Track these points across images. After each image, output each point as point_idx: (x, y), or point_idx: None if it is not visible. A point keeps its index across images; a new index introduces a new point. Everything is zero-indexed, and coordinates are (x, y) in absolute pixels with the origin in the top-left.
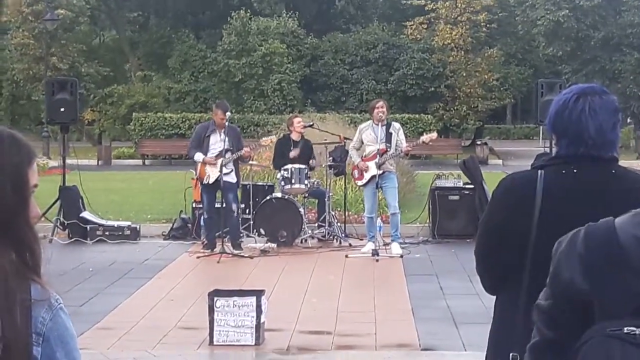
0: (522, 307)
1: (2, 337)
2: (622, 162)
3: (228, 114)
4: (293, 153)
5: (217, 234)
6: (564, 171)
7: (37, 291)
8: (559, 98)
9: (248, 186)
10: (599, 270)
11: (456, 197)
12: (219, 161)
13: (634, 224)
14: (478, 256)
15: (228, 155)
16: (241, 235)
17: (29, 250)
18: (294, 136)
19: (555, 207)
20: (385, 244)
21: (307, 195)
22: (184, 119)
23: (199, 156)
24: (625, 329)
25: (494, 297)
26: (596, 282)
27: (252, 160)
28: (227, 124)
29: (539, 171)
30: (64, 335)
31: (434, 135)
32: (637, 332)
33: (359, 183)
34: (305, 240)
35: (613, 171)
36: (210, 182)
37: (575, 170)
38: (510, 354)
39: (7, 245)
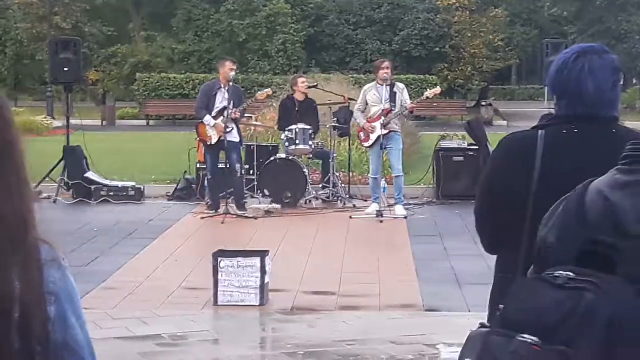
0: (522, 266)
1: (19, 298)
2: (628, 124)
3: (233, 73)
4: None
5: (222, 194)
6: (564, 131)
7: (46, 251)
8: (558, 58)
9: (252, 147)
10: (565, 226)
11: (461, 159)
12: (220, 121)
13: (605, 179)
14: (477, 215)
15: (227, 112)
16: (245, 196)
17: (32, 213)
18: (298, 97)
19: (555, 167)
20: (390, 206)
21: (311, 156)
22: (188, 80)
23: (209, 119)
24: (556, 273)
25: (495, 257)
26: (560, 237)
27: (256, 120)
28: (230, 84)
29: (540, 131)
30: (72, 294)
31: (438, 90)
32: (561, 275)
33: (366, 145)
34: (310, 202)
35: (614, 131)
36: (213, 143)
37: (575, 130)
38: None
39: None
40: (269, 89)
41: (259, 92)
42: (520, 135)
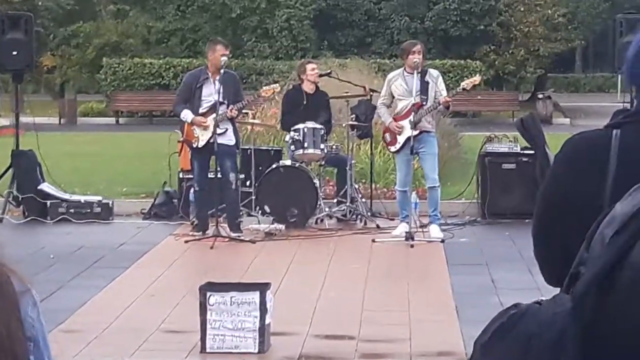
0: None
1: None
2: None
3: (224, 58)
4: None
5: (211, 211)
6: None
7: (16, 282)
8: (637, 38)
9: (249, 151)
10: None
11: (512, 166)
12: (210, 119)
13: None
14: (536, 237)
15: (222, 109)
16: (240, 213)
17: None
18: (307, 87)
19: (634, 174)
20: (422, 226)
21: (323, 162)
22: (167, 66)
23: (186, 114)
24: None
25: (558, 290)
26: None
27: (254, 117)
28: (222, 71)
29: (614, 130)
30: (46, 338)
31: (477, 79)
32: None
33: (392, 149)
34: (321, 220)
35: None
36: (200, 146)
37: None
38: None
39: None
40: (277, 84)
41: (264, 88)
42: (590, 135)
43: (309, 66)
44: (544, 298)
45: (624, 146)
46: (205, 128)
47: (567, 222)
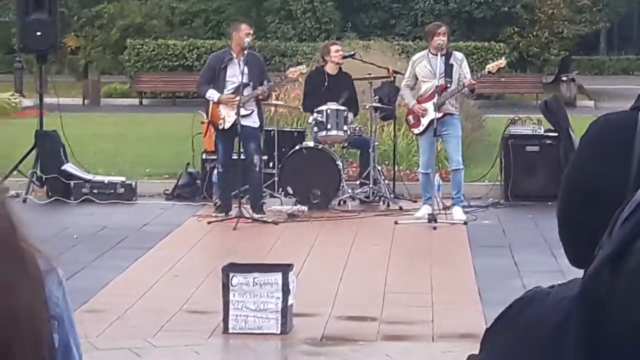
0: None
1: (21, 329)
2: None
3: (247, 39)
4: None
5: (234, 193)
6: None
7: (42, 262)
8: None
9: (272, 132)
10: None
11: (535, 148)
12: (237, 99)
13: None
14: (561, 219)
15: (247, 91)
16: (264, 195)
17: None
18: (330, 69)
19: None
20: (445, 208)
21: (346, 144)
22: (191, 47)
23: (212, 93)
24: None
25: (582, 272)
26: None
27: (277, 99)
28: (246, 52)
29: None
30: (71, 317)
31: (502, 62)
32: None
33: (416, 131)
34: (344, 202)
35: None
36: (227, 127)
37: None
38: None
39: None
40: (303, 65)
41: (291, 69)
42: (616, 117)
43: (333, 47)
44: (562, 281)
45: None
46: (233, 106)
47: (591, 205)
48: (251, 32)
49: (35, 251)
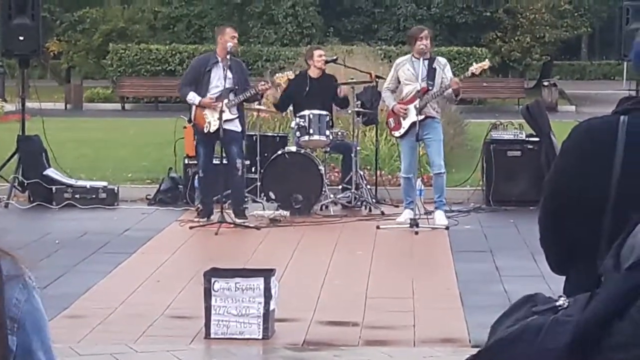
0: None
1: None
2: None
3: (229, 46)
4: (343, 91)
5: (216, 197)
6: None
7: (8, 265)
8: None
9: (255, 137)
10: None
11: (517, 153)
12: (222, 104)
13: None
14: (542, 225)
15: (232, 96)
16: (246, 199)
17: None
18: (313, 73)
19: None
20: (427, 212)
21: (328, 149)
22: (173, 52)
23: (193, 96)
24: None
25: (563, 278)
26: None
27: (260, 103)
28: (229, 57)
29: (621, 117)
30: (39, 321)
31: (486, 64)
32: None
33: (396, 134)
34: (326, 207)
35: None
36: (212, 131)
37: None
38: None
39: None
40: (290, 72)
41: (278, 75)
42: (597, 122)
43: (317, 52)
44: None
45: (631, 132)
46: (215, 110)
47: (573, 211)
48: (236, 35)
49: (3, 255)
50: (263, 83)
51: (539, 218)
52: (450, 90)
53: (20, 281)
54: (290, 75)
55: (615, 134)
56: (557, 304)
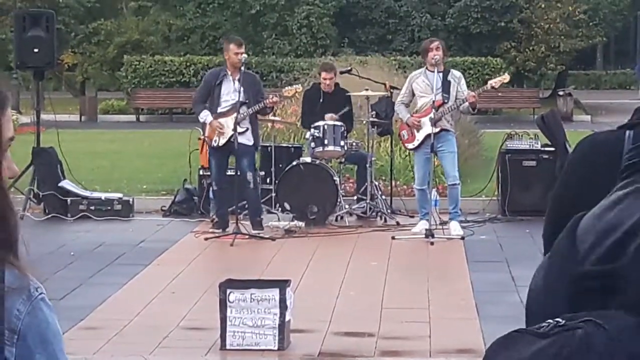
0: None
1: None
2: None
3: (244, 55)
4: (328, 116)
5: (231, 209)
6: None
7: (12, 276)
8: None
9: (269, 148)
10: (553, 269)
11: (532, 163)
12: (230, 119)
13: (601, 202)
14: (547, 239)
15: (244, 109)
16: (261, 210)
17: (2, 221)
18: (325, 86)
19: None
20: (442, 223)
21: (343, 160)
22: (188, 63)
23: (205, 115)
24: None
25: None
26: (548, 284)
27: (275, 115)
28: (242, 69)
29: (627, 131)
30: (44, 334)
31: (506, 77)
32: (548, 324)
33: (410, 146)
34: (341, 218)
35: None
36: (221, 145)
37: None
38: None
39: None
40: (299, 85)
41: (287, 88)
42: (602, 137)
43: (323, 74)
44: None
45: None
46: (221, 134)
47: (577, 228)
48: (240, 50)
49: (9, 267)
50: (272, 97)
51: (543, 232)
52: (467, 104)
53: (24, 293)
54: (299, 88)
55: (621, 149)
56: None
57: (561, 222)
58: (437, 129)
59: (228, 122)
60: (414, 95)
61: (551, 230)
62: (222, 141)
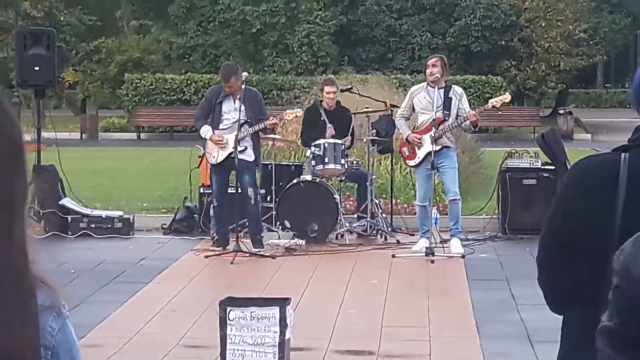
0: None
1: (9, 351)
2: None
3: (244, 73)
4: (329, 132)
5: (231, 227)
6: None
7: (44, 295)
8: None
9: (270, 166)
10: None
11: (533, 181)
12: (231, 136)
13: None
14: (542, 263)
15: (245, 128)
16: (261, 228)
17: (27, 240)
18: (326, 104)
19: None
20: (443, 241)
21: (344, 178)
22: (189, 81)
23: (205, 130)
24: None
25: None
26: None
27: (275, 133)
28: (244, 86)
29: (623, 154)
30: (72, 350)
31: (507, 97)
32: None
33: (410, 163)
34: (342, 236)
35: None
36: (219, 161)
37: None
38: None
39: (11, 234)
40: (299, 109)
41: (288, 111)
42: (598, 160)
43: (326, 88)
44: None
45: (633, 170)
46: (222, 147)
47: (574, 248)
48: (230, 84)
49: (40, 285)
50: (272, 118)
51: (537, 256)
52: (468, 122)
53: (55, 310)
54: (299, 112)
55: (617, 171)
56: None
57: (557, 245)
58: (438, 147)
59: (229, 138)
60: (414, 110)
61: (545, 254)
62: (221, 157)
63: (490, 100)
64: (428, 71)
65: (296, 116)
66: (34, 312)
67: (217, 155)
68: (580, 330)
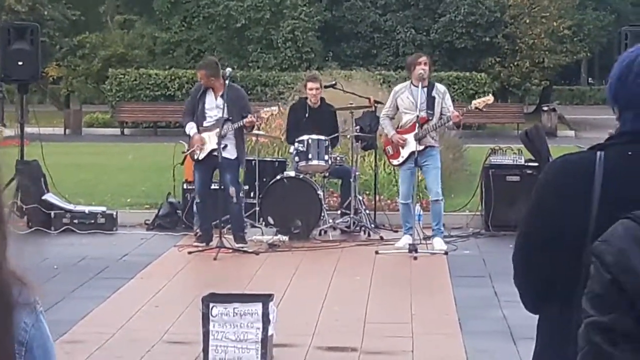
0: (576, 323)
1: None
2: None
3: (228, 69)
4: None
5: (214, 223)
6: (630, 152)
7: (18, 292)
8: (622, 58)
9: (253, 162)
10: None
11: (516, 178)
12: (212, 133)
13: None
14: (518, 263)
15: (227, 125)
16: (244, 225)
17: (3, 236)
18: (311, 101)
19: (619, 198)
20: (426, 238)
21: (327, 174)
22: (173, 77)
23: (189, 127)
24: None
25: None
26: None
27: (259, 129)
28: (227, 82)
29: (598, 152)
30: (46, 345)
31: (490, 99)
32: None
33: (395, 162)
34: (325, 232)
35: None
36: (200, 158)
37: None
38: None
39: None
40: (275, 107)
41: (265, 109)
42: (574, 158)
43: (309, 84)
44: None
45: (608, 168)
46: (201, 147)
47: (550, 248)
48: (209, 79)
49: (15, 282)
50: (250, 116)
51: (513, 256)
52: (451, 122)
53: (29, 307)
54: (275, 110)
55: (593, 169)
56: None
57: (532, 245)
58: (422, 147)
59: (210, 137)
60: (397, 109)
61: (521, 253)
62: (202, 155)
63: (473, 102)
64: (419, 67)
65: (272, 114)
66: (10, 308)
67: (199, 152)
68: (556, 328)
